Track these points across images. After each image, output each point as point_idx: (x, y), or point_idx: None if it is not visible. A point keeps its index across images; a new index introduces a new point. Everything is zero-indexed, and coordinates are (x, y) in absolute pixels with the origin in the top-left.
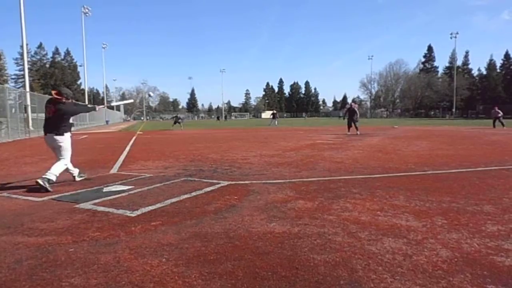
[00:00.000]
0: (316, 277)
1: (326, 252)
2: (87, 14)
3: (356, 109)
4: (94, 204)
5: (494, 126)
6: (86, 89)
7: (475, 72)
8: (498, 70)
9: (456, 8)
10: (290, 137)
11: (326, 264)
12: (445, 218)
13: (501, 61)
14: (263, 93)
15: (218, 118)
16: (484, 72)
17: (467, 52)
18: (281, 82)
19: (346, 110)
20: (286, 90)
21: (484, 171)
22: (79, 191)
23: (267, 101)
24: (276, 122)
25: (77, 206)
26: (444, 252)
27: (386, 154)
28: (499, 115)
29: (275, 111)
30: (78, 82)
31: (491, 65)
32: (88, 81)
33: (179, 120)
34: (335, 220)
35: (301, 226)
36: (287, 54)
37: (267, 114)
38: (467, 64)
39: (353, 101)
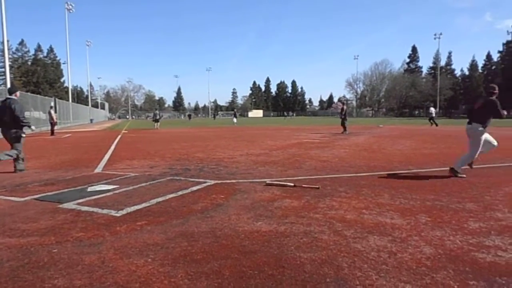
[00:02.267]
0: (303, 275)
1: (312, 250)
2: (71, 11)
3: (345, 108)
4: (78, 204)
5: (431, 124)
6: (70, 87)
7: (458, 73)
8: (480, 71)
9: (440, 9)
10: (277, 136)
11: (313, 262)
12: (429, 215)
13: (483, 62)
14: (250, 92)
15: (189, 116)
16: (467, 73)
17: (450, 53)
18: (268, 81)
19: (341, 109)
20: (273, 89)
21: (467, 169)
22: (62, 190)
23: (253, 100)
24: (235, 120)
25: (60, 206)
26: (427, 249)
27: (371, 153)
28: (433, 115)
29: (235, 110)
30: (62, 80)
31: (473, 66)
32: (72, 79)
33: (157, 118)
34: (321, 219)
35: (287, 225)
36: (274, 53)
37: (254, 113)
38: (450, 65)
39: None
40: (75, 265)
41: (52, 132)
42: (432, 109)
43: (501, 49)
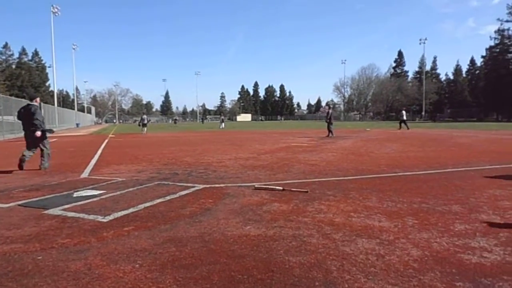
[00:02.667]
0: (292, 279)
1: (301, 254)
2: (57, 14)
3: (328, 112)
4: (64, 209)
5: (400, 127)
6: (56, 91)
7: (442, 77)
8: (464, 75)
9: (425, 15)
10: (265, 140)
11: (301, 266)
12: (416, 218)
13: (467, 67)
14: (238, 96)
15: (175, 121)
16: (451, 77)
17: (435, 58)
18: (256, 85)
19: (327, 113)
20: (261, 93)
21: (452, 172)
22: (47, 196)
23: (242, 104)
24: (223, 125)
25: (45, 212)
26: (415, 252)
27: (359, 156)
28: (404, 118)
29: (223, 116)
30: (47, 84)
31: (457, 70)
32: (57, 83)
33: (145, 122)
34: (310, 222)
35: (276, 229)
36: (262, 58)
37: (242, 117)
38: (435, 69)
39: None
40: (60, 273)
41: None
42: (404, 113)
43: (484, 54)
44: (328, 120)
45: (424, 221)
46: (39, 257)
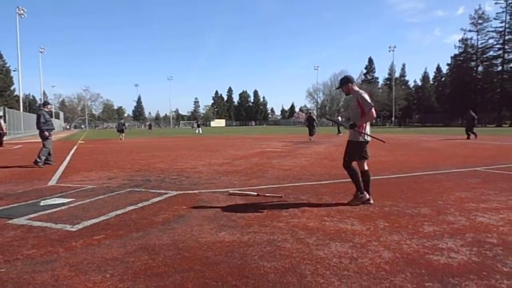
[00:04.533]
0: (266, 285)
1: (275, 259)
2: (23, 16)
3: (315, 118)
4: (30, 219)
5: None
6: (21, 96)
7: (411, 84)
8: (431, 82)
9: (393, 23)
10: (239, 145)
11: (276, 271)
12: (387, 221)
13: (434, 74)
14: (212, 101)
15: (150, 126)
16: (419, 83)
17: (404, 65)
18: (230, 90)
19: (306, 118)
20: (235, 98)
21: (421, 175)
22: (12, 205)
23: (216, 109)
24: (201, 130)
25: (9, 222)
26: (386, 254)
27: (332, 161)
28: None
29: (199, 121)
30: (12, 88)
31: (425, 77)
32: (23, 87)
33: (122, 128)
34: (284, 227)
35: (250, 234)
36: (235, 63)
37: (216, 123)
38: (404, 76)
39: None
40: (25, 285)
41: (1, 143)
42: (339, 118)
43: (449, 62)
44: (315, 125)
45: (395, 224)
46: (3, 270)
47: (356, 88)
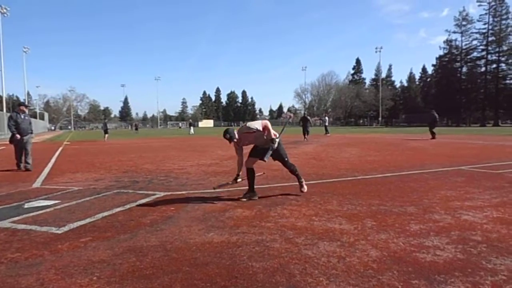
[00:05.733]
0: (255, 285)
1: (264, 259)
2: (6, 15)
3: (309, 118)
4: (14, 222)
5: (326, 132)
6: (4, 96)
7: (397, 84)
8: (417, 82)
9: (380, 25)
10: (227, 146)
11: (265, 271)
12: (374, 220)
13: (419, 74)
14: (200, 102)
15: (136, 128)
16: (406, 84)
17: (390, 66)
18: (218, 91)
19: (301, 119)
20: (223, 99)
21: (407, 175)
22: None
23: (204, 110)
24: (193, 131)
25: None
26: (374, 252)
27: (319, 161)
28: (326, 123)
29: (192, 122)
30: None
31: (411, 78)
32: (6, 87)
33: (106, 128)
34: (272, 227)
35: (239, 235)
36: (223, 64)
37: (204, 123)
38: (391, 77)
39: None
40: None
41: None
42: (326, 119)
43: (434, 62)
44: (309, 125)
45: (382, 223)
46: None
47: (245, 132)
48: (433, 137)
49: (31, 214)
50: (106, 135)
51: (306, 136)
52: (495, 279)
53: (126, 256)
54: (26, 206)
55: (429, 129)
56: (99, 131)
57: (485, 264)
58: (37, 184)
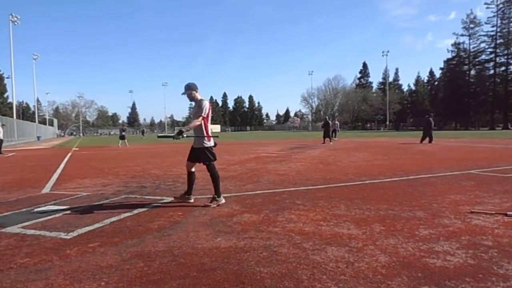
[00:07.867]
0: None
1: (272, 264)
2: (16, 23)
3: (330, 122)
4: (23, 227)
5: (331, 138)
6: (15, 103)
7: (405, 88)
8: (425, 86)
9: (387, 29)
10: (234, 150)
11: (273, 277)
12: (383, 224)
13: (427, 78)
14: None
15: (143, 132)
16: (413, 88)
17: (397, 69)
18: (225, 96)
19: (323, 123)
20: (230, 104)
21: (416, 179)
22: (5, 213)
23: (211, 115)
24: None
25: (2, 230)
26: (382, 258)
27: (327, 165)
28: (336, 128)
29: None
30: (5, 95)
31: (418, 81)
32: (17, 94)
33: (124, 133)
34: (280, 232)
35: (247, 240)
36: (230, 69)
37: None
38: (398, 80)
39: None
40: None
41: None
42: (337, 123)
43: (442, 66)
44: (330, 129)
45: (391, 227)
46: None
47: (199, 97)
48: (430, 141)
49: (40, 219)
50: (121, 141)
51: (330, 140)
52: (507, 285)
53: (134, 262)
54: (35, 211)
55: (425, 134)
56: (106, 137)
57: (497, 270)
58: (46, 189)
